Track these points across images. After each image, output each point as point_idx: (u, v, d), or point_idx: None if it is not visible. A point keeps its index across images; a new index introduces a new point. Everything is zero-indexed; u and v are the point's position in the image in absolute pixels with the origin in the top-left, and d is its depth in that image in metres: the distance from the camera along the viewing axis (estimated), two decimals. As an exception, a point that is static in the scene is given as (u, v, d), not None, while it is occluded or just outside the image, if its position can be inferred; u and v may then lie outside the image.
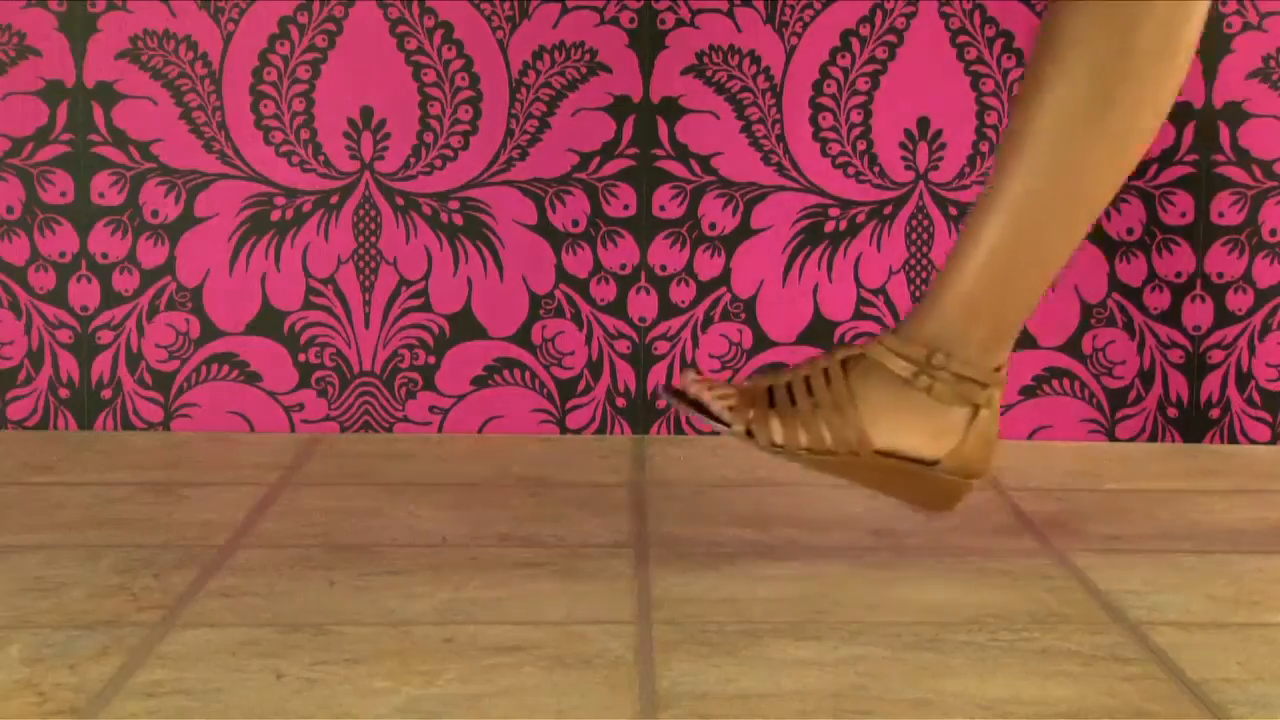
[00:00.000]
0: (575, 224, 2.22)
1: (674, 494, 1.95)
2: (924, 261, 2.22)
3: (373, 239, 2.21)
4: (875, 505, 1.87)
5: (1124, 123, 1.66)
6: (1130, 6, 1.65)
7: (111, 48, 2.18)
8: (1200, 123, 2.20)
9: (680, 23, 2.19)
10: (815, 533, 1.79)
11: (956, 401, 1.68)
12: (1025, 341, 2.23)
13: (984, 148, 2.21)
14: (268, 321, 2.22)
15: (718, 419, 1.68)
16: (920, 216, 2.21)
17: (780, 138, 2.20)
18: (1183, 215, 2.22)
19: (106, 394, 2.22)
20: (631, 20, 2.18)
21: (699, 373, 1.71)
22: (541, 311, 2.23)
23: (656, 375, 2.23)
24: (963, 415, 1.69)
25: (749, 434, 1.68)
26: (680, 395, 1.70)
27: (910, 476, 1.70)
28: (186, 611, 1.53)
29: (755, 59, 2.19)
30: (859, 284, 2.23)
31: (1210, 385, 2.24)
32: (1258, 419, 2.24)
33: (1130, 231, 2.22)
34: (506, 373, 2.23)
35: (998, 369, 1.70)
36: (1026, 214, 1.67)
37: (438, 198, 2.20)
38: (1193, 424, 2.24)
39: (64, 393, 2.21)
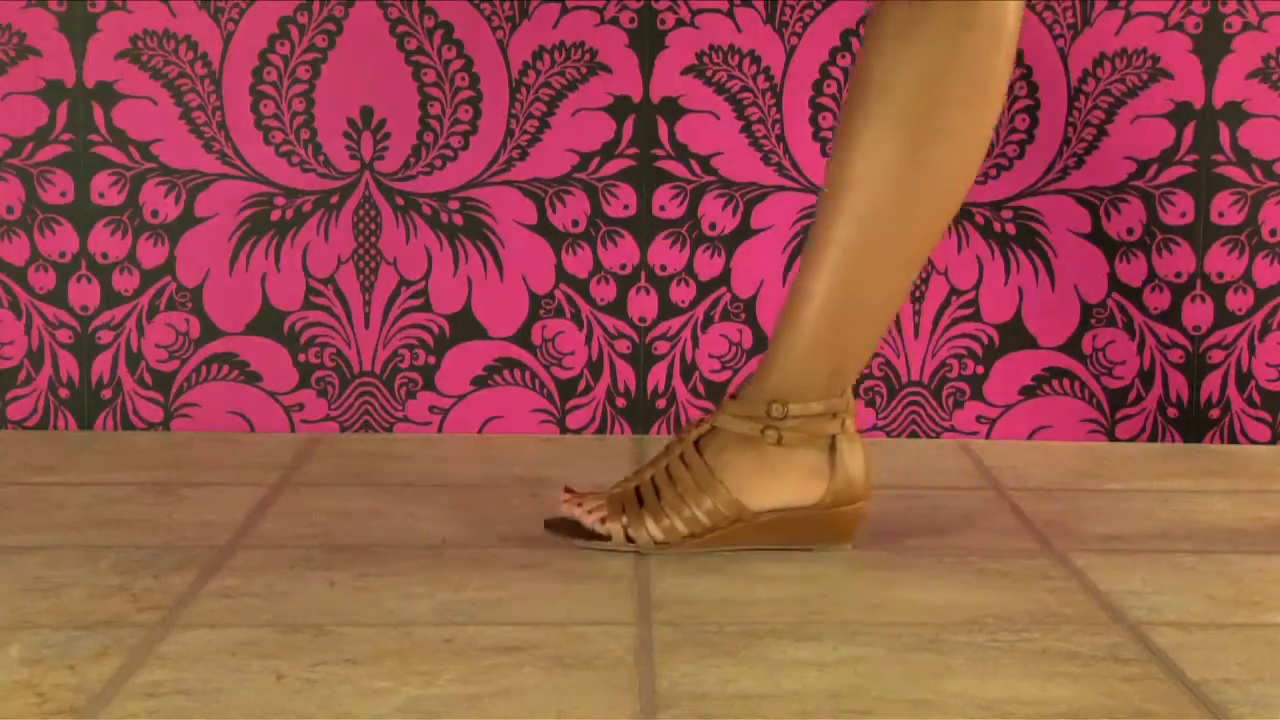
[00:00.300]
0: (575, 224, 2.22)
1: (674, 494, 1.95)
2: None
3: (373, 239, 2.21)
4: (875, 506, 1.87)
5: (937, 169, 1.67)
6: (937, 57, 1.65)
7: (111, 48, 2.18)
8: (1200, 123, 2.20)
9: (680, 23, 2.19)
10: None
11: (810, 444, 1.71)
12: (1025, 341, 2.23)
13: (984, 148, 2.20)
14: (268, 321, 2.22)
15: (594, 534, 1.72)
16: (920, 216, 2.21)
17: (780, 138, 2.20)
18: (1183, 215, 2.22)
19: (106, 394, 2.22)
20: (631, 20, 2.18)
21: (570, 492, 1.75)
22: (541, 311, 2.23)
23: (656, 375, 2.23)
24: (822, 452, 1.72)
25: (629, 539, 1.71)
26: (558, 523, 1.74)
27: (799, 522, 1.72)
28: (186, 612, 1.52)
29: (755, 59, 2.19)
30: (859, 284, 2.22)
31: (1210, 385, 2.24)
32: (1258, 419, 2.24)
33: (1130, 231, 2.22)
34: (506, 373, 2.23)
35: (841, 393, 1.72)
36: (852, 263, 1.68)
37: (438, 198, 2.20)
38: (1193, 424, 2.24)
39: (64, 393, 2.21)
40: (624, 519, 1.71)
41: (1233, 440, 2.24)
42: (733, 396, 1.73)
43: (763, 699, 1.34)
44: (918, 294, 2.23)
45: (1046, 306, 2.23)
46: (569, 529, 1.73)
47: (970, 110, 1.66)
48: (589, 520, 1.72)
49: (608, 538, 1.72)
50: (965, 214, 2.21)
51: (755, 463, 1.71)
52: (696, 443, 1.73)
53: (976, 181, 2.21)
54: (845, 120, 1.67)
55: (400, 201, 2.20)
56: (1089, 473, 2.07)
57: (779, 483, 1.72)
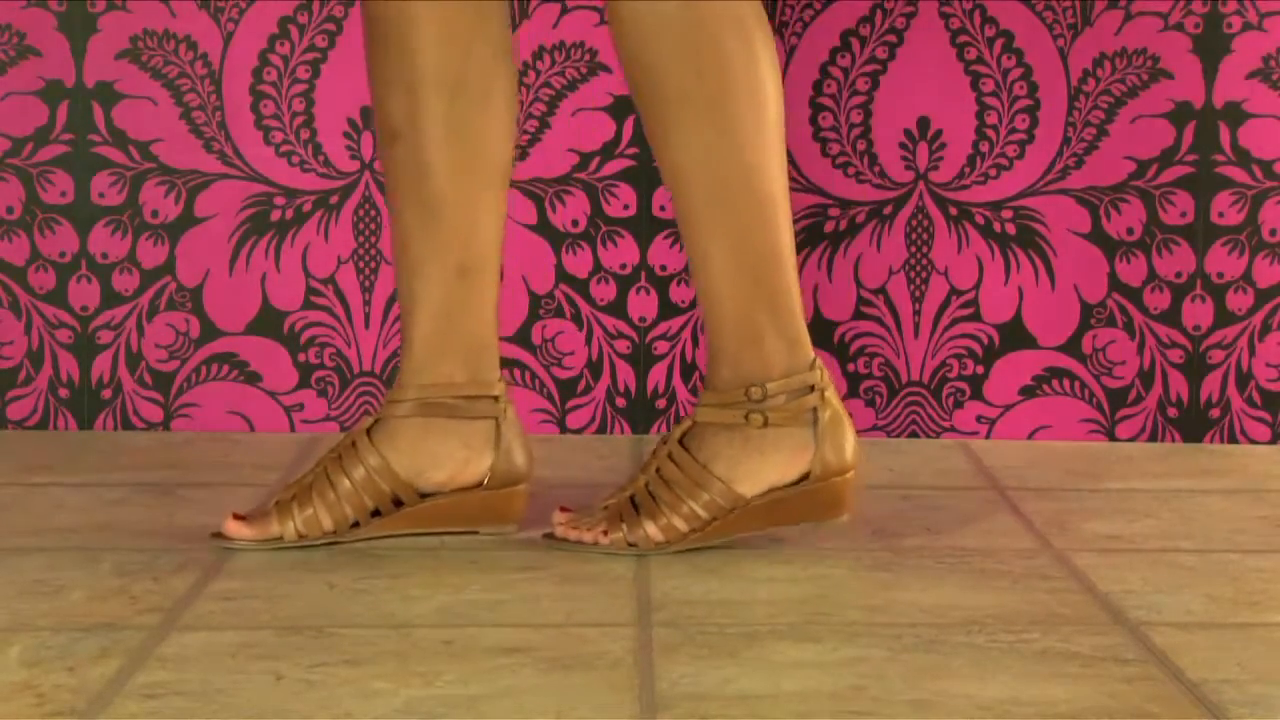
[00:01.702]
0: (575, 224, 2.22)
1: (674, 494, 1.95)
2: (924, 261, 2.22)
3: (373, 239, 2.21)
4: (875, 506, 1.87)
5: (733, 114, 1.68)
6: (679, 33, 1.67)
7: (111, 48, 2.18)
8: (1200, 123, 2.20)
9: (680, 23, 2.19)
10: (814, 534, 1.79)
11: (795, 421, 1.72)
12: (1025, 341, 2.23)
13: (984, 148, 2.20)
14: (268, 321, 2.22)
15: (596, 546, 1.73)
16: (920, 216, 2.21)
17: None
18: (1183, 215, 2.22)
19: (106, 394, 2.22)
20: (631, 20, 2.18)
21: (562, 511, 1.76)
22: (541, 311, 2.23)
23: (656, 375, 2.23)
24: (806, 427, 1.73)
25: (632, 545, 1.72)
26: (562, 540, 1.75)
27: (793, 500, 1.73)
28: (186, 614, 1.53)
29: (755, 59, 2.19)
30: (859, 284, 2.22)
31: (1210, 385, 2.24)
32: (1257, 419, 2.24)
33: (1130, 231, 2.22)
34: (506, 373, 2.23)
35: (812, 366, 1.73)
36: (712, 236, 1.70)
37: (438, 198, 2.20)
38: (1193, 424, 2.24)
39: (64, 393, 2.21)
40: (624, 528, 1.71)
41: (1232, 440, 2.24)
42: (705, 388, 1.74)
43: (762, 700, 1.34)
44: (917, 294, 2.23)
45: (1046, 306, 2.23)
46: (571, 544, 1.74)
47: (738, 57, 1.67)
48: (589, 538, 1.72)
49: (612, 550, 1.72)
50: (965, 214, 2.22)
51: (742, 449, 1.72)
52: (682, 441, 1.73)
53: (976, 181, 2.21)
54: (643, 116, 1.71)
55: (400, 201, 2.20)
56: (1089, 473, 2.07)
57: (767, 464, 1.72)
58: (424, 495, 1.75)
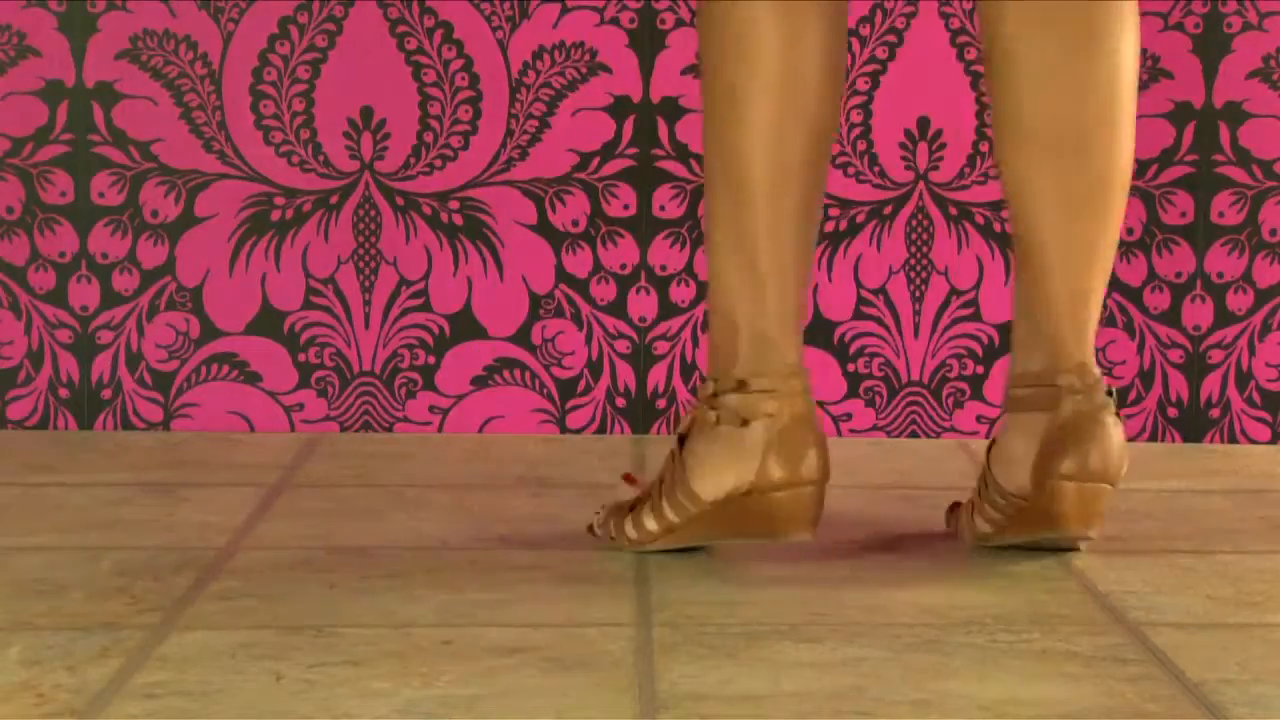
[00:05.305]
0: (575, 224, 2.22)
1: (674, 494, 1.95)
2: (924, 261, 2.22)
3: (373, 239, 2.21)
4: (875, 506, 1.87)
5: (713, 87, 1.67)
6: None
7: (111, 48, 2.18)
8: (1200, 123, 2.20)
9: (680, 23, 2.19)
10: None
11: (739, 421, 1.65)
12: (1025, 341, 2.23)
13: (984, 148, 2.21)
14: (268, 321, 2.22)
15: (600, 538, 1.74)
16: (920, 216, 2.21)
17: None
18: (1183, 215, 2.22)
19: (106, 394, 2.22)
20: (631, 20, 2.18)
21: (627, 479, 1.77)
22: (541, 311, 2.23)
23: (656, 375, 2.23)
24: (758, 433, 1.65)
25: (611, 538, 1.72)
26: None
27: (739, 510, 1.66)
28: (186, 614, 1.53)
29: (755, 59, 2.19)
30: (859, 284, 2.23)
31: (1210, 385, 2.24)
32: (1258, 419, 2.24)
33: (1130, 231, 2.22)
34: (506, 373, 2.23)
35: (791, 375, 1.66)
36: (714, 214, 1.68)
37: (438, 198, 2.20)
38: (1193, 424, 2.24)
39: (64, 393, 2.21)
40: (610, 524, 1.72)
41: (1232, 440, 2.24)
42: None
43: (763, 700, 1.34)
44: (917, 294, 2.23)
45: (1046, 306, 2.23)
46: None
47: (719, 39, 1.67)
48: (596, 522, 1.74)
49: (612, 541, 1.73)
50: (965, 214, 2.22)
51: (706, 448, 1.67)
52: (682, 437, 1.71)
53: (976, 181, 2.21)
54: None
55: (400, 201, 2.20)
56: (1089, 473, 2.07)
57: (723, 465, 1.66)
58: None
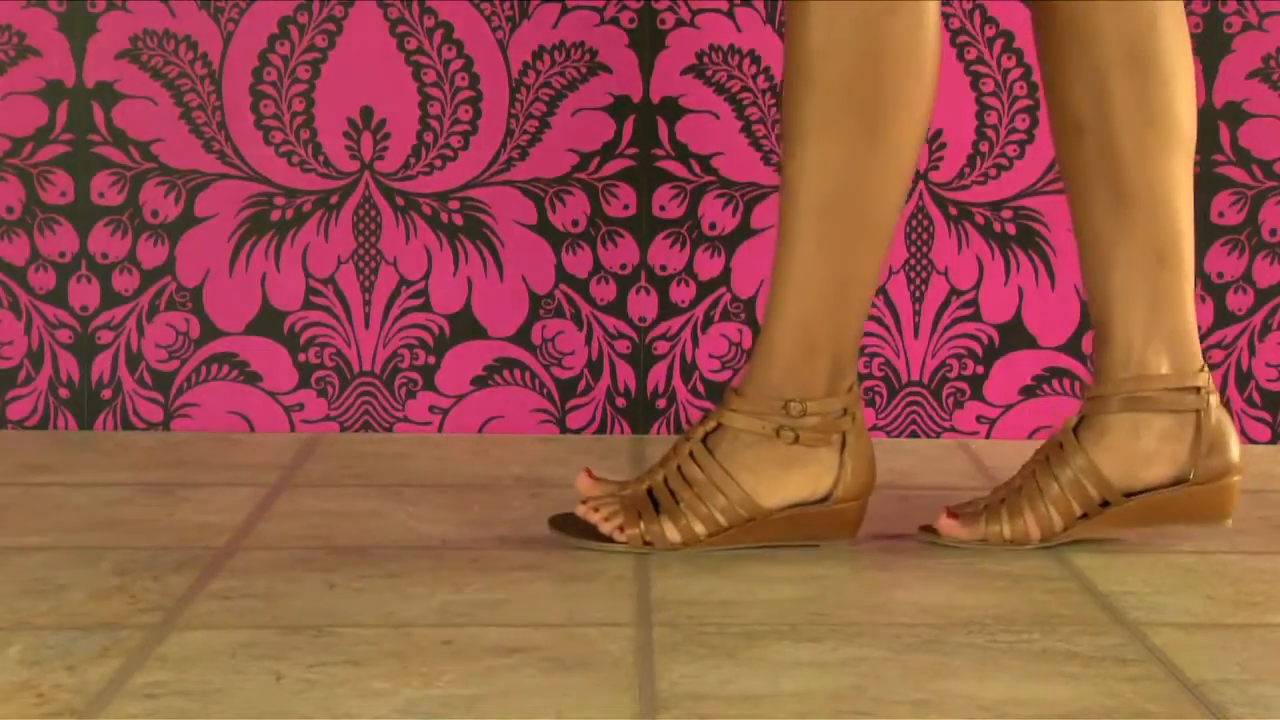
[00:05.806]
0: (575, 224, 2.22)
1: (674, 494, 1.94)
2: (924, 261, 2.22)
3: (373, 239, 2.21)
4: (875, 506, 1.87)
5: (887, 145, 1.67)
6: (867, 43, 1.65)
7: (111, 48, 2.18)
8: (1200, 123, 2.20)
9: (680, 23, 2.19)
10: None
11: (823, 442, 1.72)
12: (1025, 341, 2.23)
13: (984, 148, 2.20)
14: (268, 321, 2.22)
15: (610, 540, 1.72)
16: (920, 216, 2.21)
17: (781, 137, 2.20)
18: (1183, 215, 2.21)
19: (106, 394, 2.22)
20: (631, 20, 2.18)
21: (591, 477, 1.75)
22: (541, 311, 2.23)
23: (656, 375, 2.23)
24: (833, 448, 1.73)
25: (646, 543, 1.72)
26: (565, 522, 1.74)
27: (809, 518, 1.73)
28: (186, 613, 1.52)
29: (755, 59, 2.19)
30: (859, 284, 2.22)
31: (1210, 385, 2.23)
32: (1258, 419, 2.24)
33: (1130, 231, 2.22)
34: (506, 373, 2.23)
35: (849, 389, 1.73)
36: (826, 252, 1.69)
37: (438, 198, 2.20)
38: (1193, 424, 2.24)
39: (64, 393, 2.21)
40: (640, 525, 1.71)
41: (1233, 440, 2.24)
42: (736, 391, 1.73)
43: (763, 700, 1.34)
44: (917, 294, 2.23)
45: (1047, 306, 2.23)
46: (575, 528, 1.73)
47: (905, 90, 1.66)
48: (606, 528, 1.72)
49: (625, 544, 1.72)
50: (965, 214, 2.22)
51: (769, 460, 1.72)
52: (705, 441, 1.72)
53: (976, 181, 2.21)
54: (789, 114, 1.68)
55: (400, 201, 2.20)
56: (1089, 473, 2.07)
57: (792, 480, 1.72)
58: (1129, 495, 1.74)
